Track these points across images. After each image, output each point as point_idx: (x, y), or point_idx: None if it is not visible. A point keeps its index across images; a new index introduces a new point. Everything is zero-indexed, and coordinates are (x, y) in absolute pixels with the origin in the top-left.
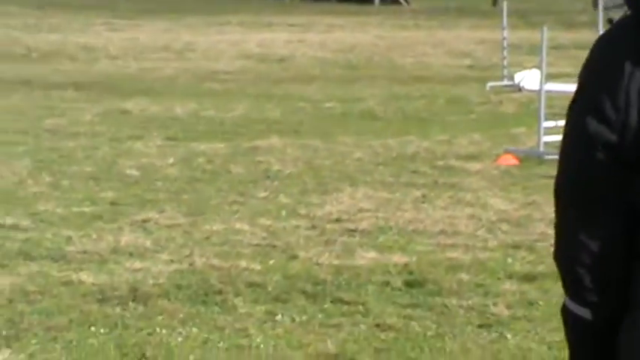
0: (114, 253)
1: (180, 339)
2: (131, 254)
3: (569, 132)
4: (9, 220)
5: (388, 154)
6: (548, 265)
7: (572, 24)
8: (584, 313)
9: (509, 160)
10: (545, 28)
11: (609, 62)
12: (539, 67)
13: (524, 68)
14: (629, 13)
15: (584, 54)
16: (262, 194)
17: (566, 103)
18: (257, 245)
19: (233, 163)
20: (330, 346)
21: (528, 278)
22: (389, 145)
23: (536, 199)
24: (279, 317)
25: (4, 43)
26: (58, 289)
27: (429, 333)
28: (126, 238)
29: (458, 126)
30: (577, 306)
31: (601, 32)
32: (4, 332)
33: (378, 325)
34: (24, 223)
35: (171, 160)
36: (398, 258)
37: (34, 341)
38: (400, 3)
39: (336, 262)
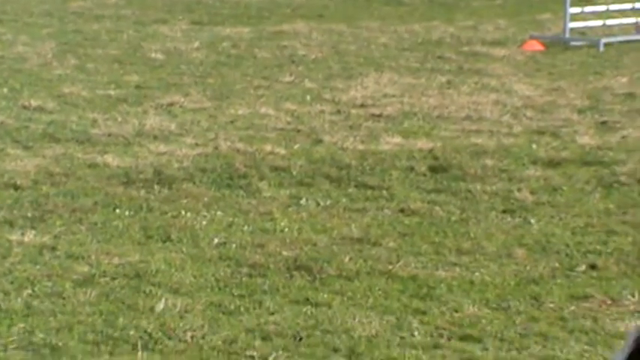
0: (139, 136)
1: (204, 222)
2: (156, 137)
3: None
4: (34, 102)
5: (413, 39)
6: (572, 150)
7: None
8: None
9: (535, 46)
10: None
11: None
12: None
13: None
14: None
15: None
16: (287, 79)
17: None
18: (282, 129)
19: (258, 48)
20: (355, 230)
21: (552, 164)
22: (414, 31)
23: (561, 85)
24: (303, 201)
25: None
26: (83, 172)
27: (453, 218)
28: (151, 122)
29: (483, 12)
30: None
31: None
32: (29, 214)
33: (402, 210)
34: (49, 106)
35: (196, 44)
36: (422, 143)
37: (58, 223)
38: None
39: (360, 147)
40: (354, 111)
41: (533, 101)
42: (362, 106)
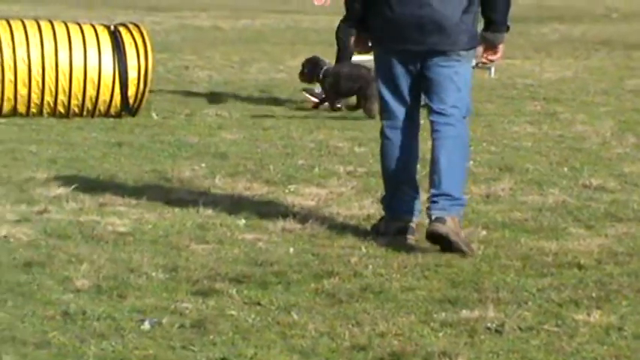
0: None
1: None
2: None
3: None
4: (594, 181)
5: None
6: None
7: None
8: None
9: None
10: None
11: None
12: None
13: None
14: None
15: None
16: None
17: None
18: None
19: None
20: None
21: None
22: None
23: None
24: None
25: (585, 2)
26: None
27: None
28: None
29: None
30: None
31: None
32: (593, 294)
33: None
34: (610, 185)
35: None
36: None
37: (624, 303)
38: None
39: None
40: None
41: None
42: None
